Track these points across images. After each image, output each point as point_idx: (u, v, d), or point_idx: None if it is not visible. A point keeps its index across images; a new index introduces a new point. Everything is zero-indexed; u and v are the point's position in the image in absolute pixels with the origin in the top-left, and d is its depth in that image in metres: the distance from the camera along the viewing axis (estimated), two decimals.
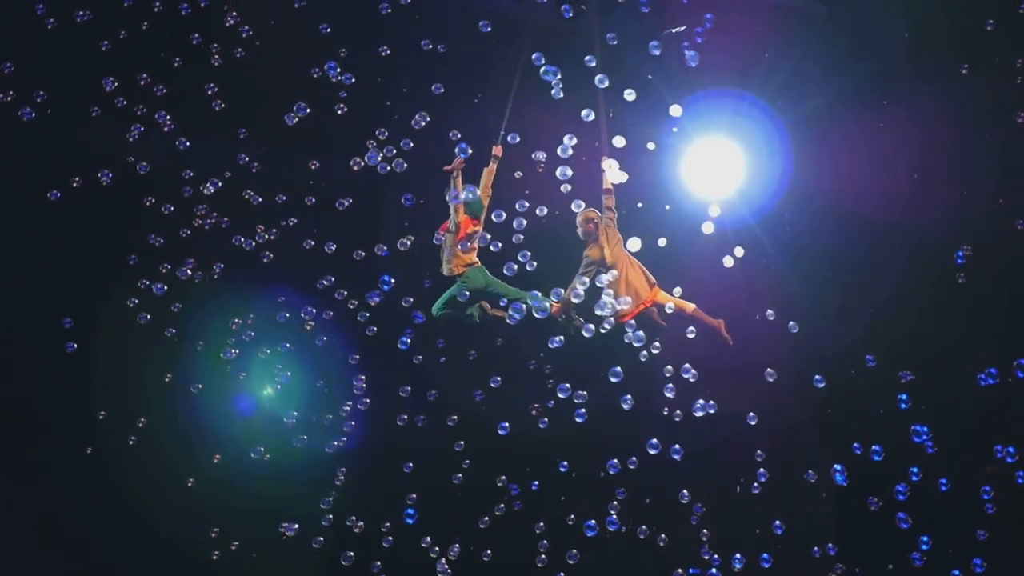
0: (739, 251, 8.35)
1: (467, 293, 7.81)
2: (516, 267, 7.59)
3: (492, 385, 8.06)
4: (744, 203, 9.78)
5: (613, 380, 7.50)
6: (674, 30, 9.47)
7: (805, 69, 9.58)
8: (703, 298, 8.56)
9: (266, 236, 8.58)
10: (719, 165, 9.70)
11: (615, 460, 8.02)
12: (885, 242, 9.65)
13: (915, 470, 7.38)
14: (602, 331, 7.41)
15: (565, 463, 8.55)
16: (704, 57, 8.46)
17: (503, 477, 8.87)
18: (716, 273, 8.70)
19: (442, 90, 8.16)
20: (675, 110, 8.27)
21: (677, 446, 7.89)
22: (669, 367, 7.86)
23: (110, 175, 8.11)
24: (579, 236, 8.06)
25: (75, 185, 8.28)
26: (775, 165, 9.83)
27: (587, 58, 7.79)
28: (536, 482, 8.86)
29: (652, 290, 8.06)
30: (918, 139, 9.45)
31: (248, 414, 9.76)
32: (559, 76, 7.21)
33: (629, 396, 7.73)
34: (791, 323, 8.41)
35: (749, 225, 9.80)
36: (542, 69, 7.18)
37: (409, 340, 7.88)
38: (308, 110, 7.82)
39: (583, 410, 7.73)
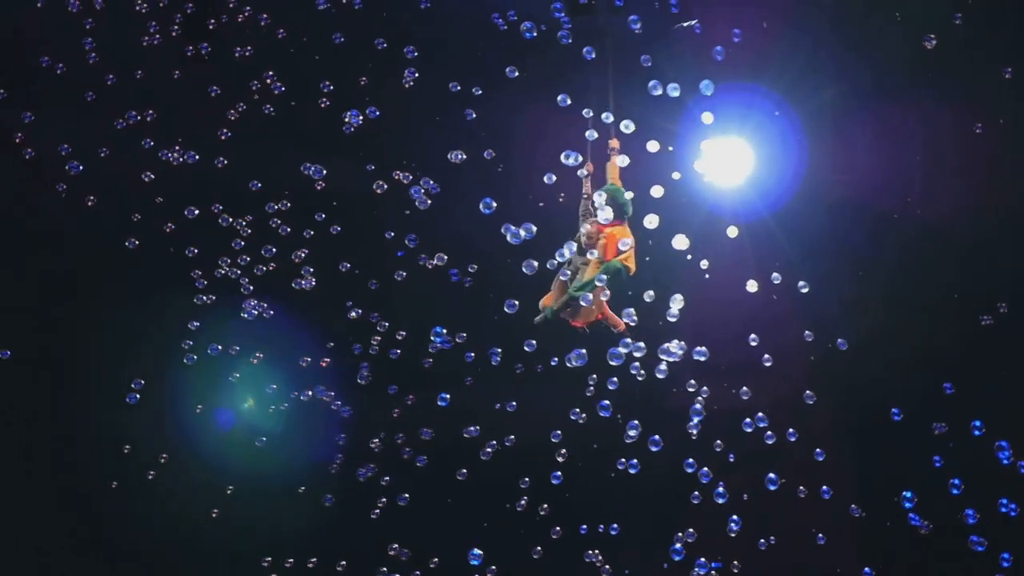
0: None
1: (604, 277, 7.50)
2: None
3: (572, 417, 8.04)
4: (758, 196, 9.64)
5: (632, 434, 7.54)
6: (685, 24, 9.24)
7: (818, 60, 9.37)
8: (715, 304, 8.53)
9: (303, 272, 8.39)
10: (732, 160, 9.50)
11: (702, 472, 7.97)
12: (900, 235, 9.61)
13: (1004, 501, 7.40)
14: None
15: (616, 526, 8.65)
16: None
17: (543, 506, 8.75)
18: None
19: (474, 116, 7.99)
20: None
21: (734, 519, 7.95)
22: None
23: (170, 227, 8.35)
24: (582, 245, 7.88)
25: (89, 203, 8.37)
26: (789, 158, 9.66)
27: (604, 115, 7.74)
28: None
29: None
30: (935, 130, 9.38)
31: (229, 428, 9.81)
32: (580, 159, 7.26)
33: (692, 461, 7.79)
34: (839, 340, 8.36)
35: (763, 219, 9.68)
36: (562, 155, 7.09)
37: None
38: (324, 171, 7.90)
39: (636, 461, 7.72)
